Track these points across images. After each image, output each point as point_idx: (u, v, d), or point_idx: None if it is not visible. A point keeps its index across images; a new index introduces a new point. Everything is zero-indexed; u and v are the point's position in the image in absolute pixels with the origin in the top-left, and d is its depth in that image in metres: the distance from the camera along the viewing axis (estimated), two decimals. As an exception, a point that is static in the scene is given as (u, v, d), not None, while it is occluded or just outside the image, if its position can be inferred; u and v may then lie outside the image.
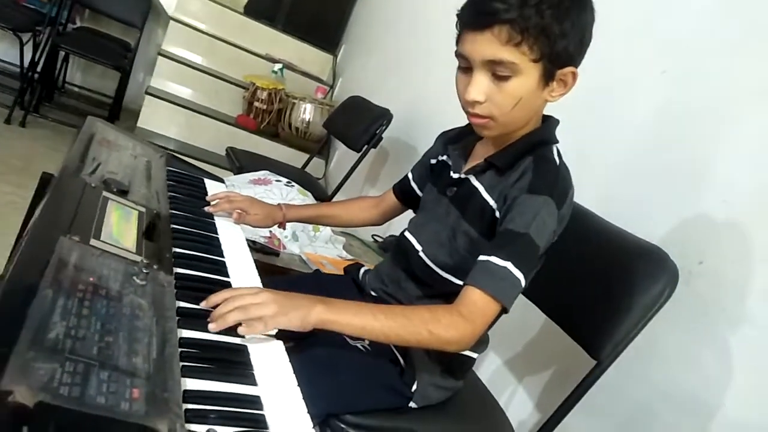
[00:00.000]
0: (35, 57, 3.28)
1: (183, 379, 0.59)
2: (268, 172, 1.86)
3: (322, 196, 2.36)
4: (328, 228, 1.76)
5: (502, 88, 0.84)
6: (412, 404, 0.98)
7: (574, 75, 0.86)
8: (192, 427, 0.53)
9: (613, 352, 0.99)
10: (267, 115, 3.29)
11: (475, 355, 1.04)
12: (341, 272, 1.23)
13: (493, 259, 0.83)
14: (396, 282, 1.04)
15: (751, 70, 1.15)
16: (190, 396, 0.58)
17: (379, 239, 2.01)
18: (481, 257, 0.84)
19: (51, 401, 0.46)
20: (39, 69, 3.31)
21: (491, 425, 1.12)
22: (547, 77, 0.85)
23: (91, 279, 0.65)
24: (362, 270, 1.15)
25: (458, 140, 1.05)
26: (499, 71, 0.83)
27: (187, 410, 0.55)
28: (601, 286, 1.05)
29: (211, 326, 0.71)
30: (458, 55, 0.87)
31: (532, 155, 0.91)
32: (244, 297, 0.74)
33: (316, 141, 3.26)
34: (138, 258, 0.75)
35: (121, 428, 0.47)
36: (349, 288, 1.12)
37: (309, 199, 1.83)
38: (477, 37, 0.82)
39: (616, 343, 0.99)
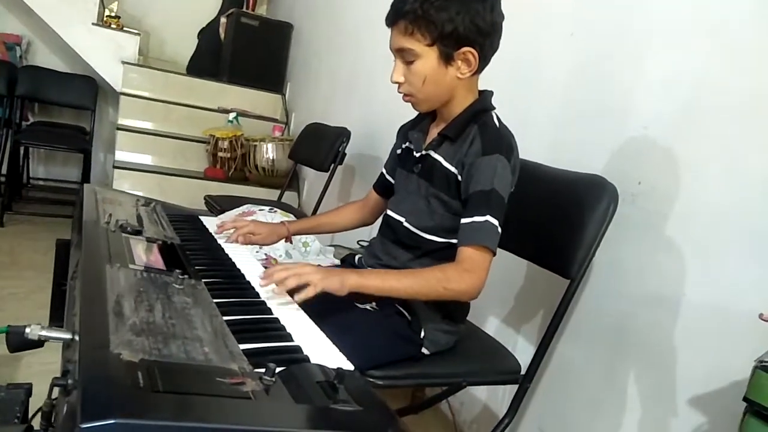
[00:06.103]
0: (-1, 158, 3.39)
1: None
2: (250, 204, 2.01)
3: (302, 216, 2.50)
4: (317, 242, 1.91)
5: (411, 70, 1.06)
6: (424, 350, 1.13)
7: (474, 54, 1.04)
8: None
9: (581, 269, 1.16)
10: (232, 162, 3.44)
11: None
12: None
13: (475, 218, 1.01)
14: (388, 253, 1.19)
15: (648, 17, 1.35)
16: (245, 353, 0.72)
17: (365, 243, 2.16)
18: (463, 220, 1.03)
19: (148, 358, 0.60)
20: (4, 170, 3.41)
21: (498, 360, 1.27)
22: (446, 57, 1.04)
23: (141, 289, 0.80)
24: (357, 257, 1.30)
25: (414, 126, 1.23)
26: (406, 57, 1.05)
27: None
28: (557, 217, 1.23)
29: (274, 288, 0.93)
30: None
31: (476, 124, 1.09)
32: (295, 268, 0.95)
33: (284, 176, 3.41)
34: (171, 273, 0.90)
35: (205, 371, 0.61)
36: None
37: (292, 219, 1.98)
38: (391, 32, 1.06)
39: (582, 259, 1.16)
